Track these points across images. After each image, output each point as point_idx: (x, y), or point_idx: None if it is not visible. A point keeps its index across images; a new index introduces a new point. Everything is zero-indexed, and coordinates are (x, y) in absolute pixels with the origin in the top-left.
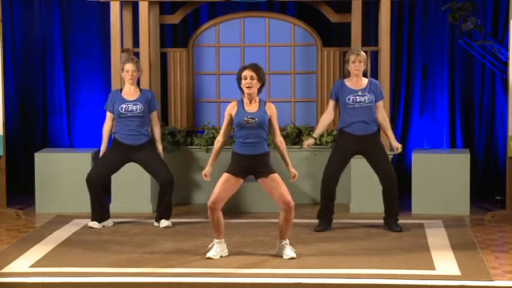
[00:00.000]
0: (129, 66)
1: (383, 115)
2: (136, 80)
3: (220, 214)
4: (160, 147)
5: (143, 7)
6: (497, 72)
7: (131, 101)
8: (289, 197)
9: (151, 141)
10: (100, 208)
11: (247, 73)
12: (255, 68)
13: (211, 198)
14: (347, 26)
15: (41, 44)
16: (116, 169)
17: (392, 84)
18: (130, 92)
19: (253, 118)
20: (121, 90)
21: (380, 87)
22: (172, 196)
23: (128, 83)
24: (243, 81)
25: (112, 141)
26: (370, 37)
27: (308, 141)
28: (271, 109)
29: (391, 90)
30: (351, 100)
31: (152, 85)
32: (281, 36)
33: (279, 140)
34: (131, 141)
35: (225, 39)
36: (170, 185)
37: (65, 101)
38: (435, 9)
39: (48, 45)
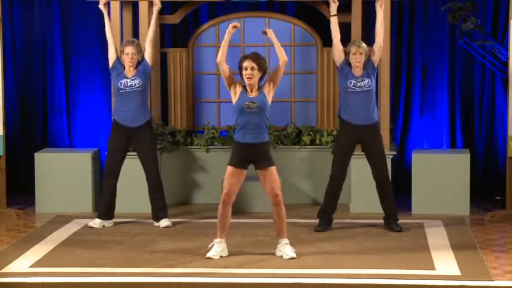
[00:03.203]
0: (129, 49)
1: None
2: (136, 62)
3: (230, 211)
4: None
5: (143, 7)
6: (497, 72)
7: (130, 78)
8: (278, 191)
9: (149, 123)
10: (109, 205)
11: (247, 64)
12: (256, 58)
13: (225, 191)
14: (347, 26)
15: (41, 44)
16: (124, 156)
17: (392, 84)
18: (129, 71)
19: (253, 102)
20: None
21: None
22: (163, 195)
23: (128, 66)
24: (244, 72)
25: (111, 125)
26: (370, 37)
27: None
28: (266, 86)
29: (391, 90)
30: (352, 84)
31: (152, 85)
32: (281, 36)
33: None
34: (130, 122)
35: None
36: (158, 189)
37: (65, 101)
38: (435, 9)
39: (48, 45)
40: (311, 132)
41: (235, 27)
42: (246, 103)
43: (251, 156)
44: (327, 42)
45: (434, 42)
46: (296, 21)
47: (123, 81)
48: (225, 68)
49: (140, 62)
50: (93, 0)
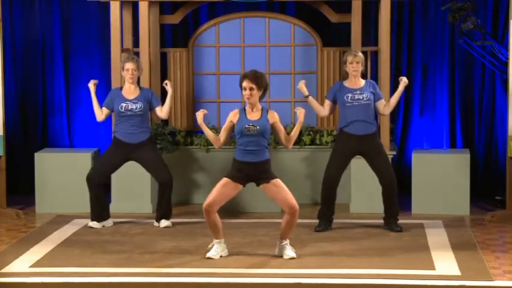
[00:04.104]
0: (129, 65)
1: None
2: (136, 79)
3: (216, 215)
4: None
5: (143, 7)
6: (497, 72)
7: (131, 100)
8: (293, 201)
9: (151, 139)
10: (100, 208)
11: (246, 84)
12: (254, 77)
13: (207, 201)
14: (347, 26)
15: (41, 44)
16: (116, 168)
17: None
18: (130, 90)
19: (254, 126)
20: (121, 88)
21: (377, 88)
22: (171, 196)
23: (129, 82)
24: (243, 92)
25: (112, 140)
26: (370, 37)
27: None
28: (273, 116)
29: (391, 90)
30: (349, 98)
31: (153, 85)
32: (281, 36)
33: (287, 139)
34: (131, 139)
35: (225, 39)
36: (169, 184)
37: (65, 101)
38: (435, 9)
39: (48, 45)
40: (311, 132)
41: (203, 115)
42: (246, 126)
43: (251, 172)
44: (327, 42)
45: (434, 42)
46: (296, 21)
47: (123, 104)
48: (225, 140)
49: (145, 89)
50: (93, 0)
